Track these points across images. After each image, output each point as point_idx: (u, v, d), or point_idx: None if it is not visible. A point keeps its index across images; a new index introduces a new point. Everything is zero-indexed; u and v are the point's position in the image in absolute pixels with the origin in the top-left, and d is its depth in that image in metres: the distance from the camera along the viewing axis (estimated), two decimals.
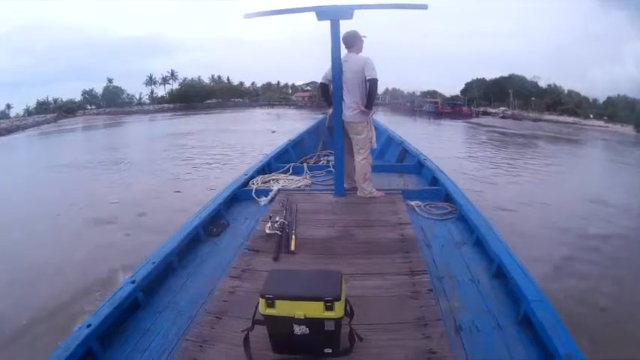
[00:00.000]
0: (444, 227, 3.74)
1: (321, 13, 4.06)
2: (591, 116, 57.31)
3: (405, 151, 6.60)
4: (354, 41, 4.26)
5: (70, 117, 64.53)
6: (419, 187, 4.94)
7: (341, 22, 4.08)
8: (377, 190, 4.43)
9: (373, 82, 4.15)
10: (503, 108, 66.63)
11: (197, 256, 3.27)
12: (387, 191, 4.51)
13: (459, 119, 51.25)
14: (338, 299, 1.80)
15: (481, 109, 67.71)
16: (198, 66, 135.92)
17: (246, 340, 1.94)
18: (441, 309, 2.41)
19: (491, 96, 70.58)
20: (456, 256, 3.17)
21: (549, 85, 72.01)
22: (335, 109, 4.38)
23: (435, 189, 4.63)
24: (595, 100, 65.75)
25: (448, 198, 4.30)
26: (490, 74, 79.57)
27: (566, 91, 69.93)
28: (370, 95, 4.21)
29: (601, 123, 51.96)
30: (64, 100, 77.10)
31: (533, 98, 67.29)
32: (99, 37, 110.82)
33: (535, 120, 55.02)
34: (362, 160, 4.37)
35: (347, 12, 4.06)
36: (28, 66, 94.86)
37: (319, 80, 4.65)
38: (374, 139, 4.48)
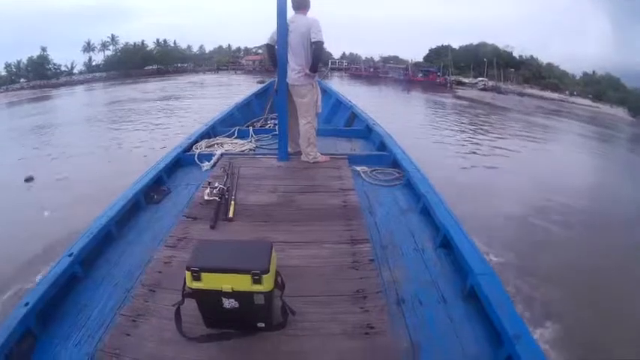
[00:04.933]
0: (390, 194, 3.70)
1: None
2: (575, 93, 55.59)
3: (353, 116, 6.52)
4: (303, 3, 4.12)
5: None
6: (366, 152, 4.89)
7: None
8: (322, 154, 4.36)
9: (319, 45, 4.04)
10: (482, 79, 60.41)
11: (136, 225, 3.12)
12: (333, 156, 4.44)
13: (433, 90, 45.20)
14: (266, 272, 1.72)
15: (452, 77, 60.44)
16: (154, 32, 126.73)
17: (177, 314, 1.85)
18: (382, 280, 2.36)
19: (470, 65, 65.72)
20: (401, 224, 3.12)
21: (521, 56, 68.55)
22: (280, 71, 4.23)
23: (383, 154, 4.59)
24: (573, 76, 63.58)
25: (396, 164, 4.26)
26: (454, 42, 75.34)
27: (544, 64, 66.82)
28: (315, 58, 4.11)
29: (588, 102, 50.20)
30: None
31: (512, 69, 63.73)
32: (49, 5, 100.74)
33: (520, 94, 51.50)
34: (306, 124, 4.27)
35: None
36: None
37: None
38: (319, 102, 4.38)
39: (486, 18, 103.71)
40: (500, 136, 17.02)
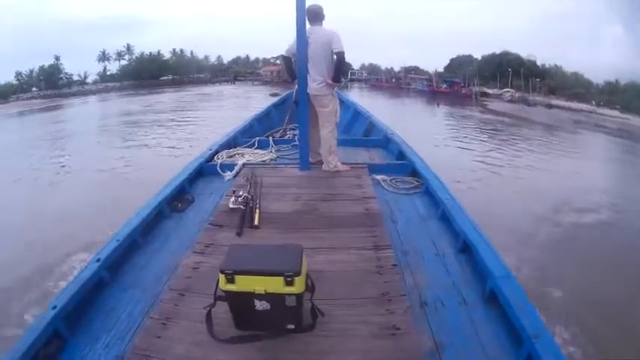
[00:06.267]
0: (410, 202, 3.75)
1: None
2: (601, 104, 50.87)
3: (372, 125, 6.58)
4: (318, 15, 4.22)
5: (2, 103, 55.25)
6: (385, 162, 4.95)
7: None
8: (342, 163, 4.42)
9: (341, 55, 4.13)
10: (507, 89, 55.96)
11: (161, 233, 3.21)
12: (353, 165, 4.51)
13: (460, 103, 41.18)
14: (298, 274, 1.78)
15: (477, 88, 56.10)
16: (171, 42, 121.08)
17: (208, 316, 1.91)
18: (405, 284, 2.42)
19: (496, 75, 60.65)
20: (422, 231, 3.18)
21: (543, 65, 64.23)
22: (300, 82, 4.32)
23: (402, 163, 4.63)
24: (597, 85, 58.96)
25: (414, 172, 4.30)
26: (474, 51, 71.20)
27: (569, 73, 62.28)
28: (338, 68, 4.20)
29: (616, 113, 46.25)
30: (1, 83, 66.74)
31: (537, 79, 58.72)
32: (65, 16, 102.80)
33: (548, 106, 47.55)
34: (327, 133, 4.35)
35: None
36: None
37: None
38: (338, 112, 4.48)
39: (501, 27, 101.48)
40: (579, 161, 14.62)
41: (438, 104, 36.70)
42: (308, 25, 4.19)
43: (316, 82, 4.25)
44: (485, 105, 42.23)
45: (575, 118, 36.41)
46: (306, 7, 4.08)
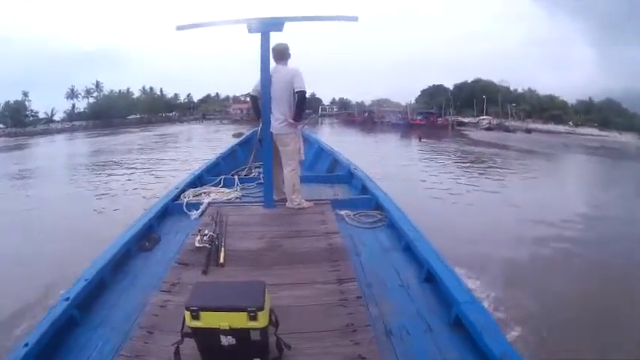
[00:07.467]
0: (374, 235, 3.85)
1: (252, 26, 4.12)
2: (579, 123, 53.36)
3: (335, 162, 6.75)
4: (284, 54, 4.35)
5: None
6: (349, 197, 5.07)
7: (271, 34, 4.16)
8: (306, 200, 4.51)
9: (301, 94, 4.24)
10: (484, 117, 56.43)
11: (130, 271, 3.21)
12: (317, 201, 4.60)
13: (438, 135, 39.07)
14: (261, 309, 1.84)
15: (452, 118, 55.71)
16: (142, 80, 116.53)
17: (176, 353, 1.94)
18: (370, 315, 2.48)
19: (473, 102, 61.21)
20: (386, 263, 3.27)
21: (516, 90, 65.94)
22: (264, 121, 4.43)
23: (365, 197, 4.76)
24: (572, 105, 61.62)
25: (378, 206, 4.42)
26: (445, 81, 72.87)
27: (542, 96, 64.17)
28: (298, 107, 4.31)
29: (595, 131, 48.24)
30: None
31: (514, 104, 59.46)
32: (43, 48, 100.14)
33: (527, 131, 48.27)
34: (290, 171, 4.44)
35: (277, 24, 4.15)
36: None
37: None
38: (302, 150, 4.58)
39: (470, 55, 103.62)
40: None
41: (420, 138, 33.86)
42: (273, 64, 4.32)
43: (278, 121, 4.36)
44: (465, 135, 41.79)
45: (561, 141, 37.35)
46: (272, 45, 4.22)
